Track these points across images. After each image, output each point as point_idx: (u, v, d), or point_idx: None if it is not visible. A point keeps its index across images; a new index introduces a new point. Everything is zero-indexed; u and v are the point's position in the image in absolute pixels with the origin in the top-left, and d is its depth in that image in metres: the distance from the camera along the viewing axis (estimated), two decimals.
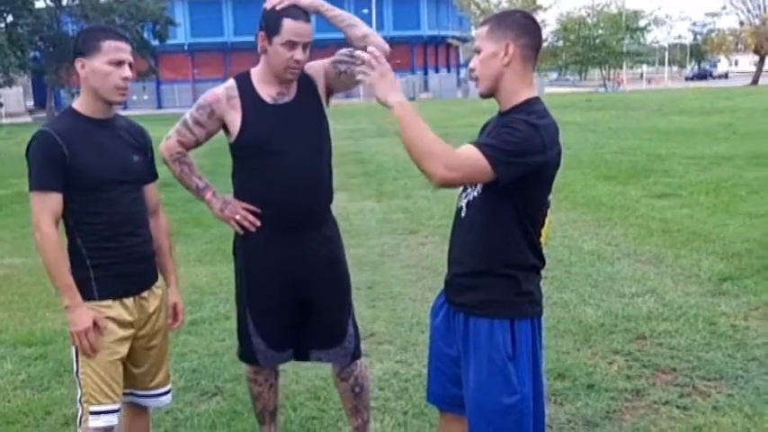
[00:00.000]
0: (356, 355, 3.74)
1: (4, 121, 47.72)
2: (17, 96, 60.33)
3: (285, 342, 3.69)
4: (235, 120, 3.48)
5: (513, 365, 2.84)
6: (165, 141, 3.63)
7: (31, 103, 66.31)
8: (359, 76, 2.81)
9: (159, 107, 62.62)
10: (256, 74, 3.55)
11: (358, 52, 2.81)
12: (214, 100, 3.53)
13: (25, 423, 4.51)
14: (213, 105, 3.52)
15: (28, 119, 51.01)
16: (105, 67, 3.04)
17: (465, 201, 2.93)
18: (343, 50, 3.58)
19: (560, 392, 4.65)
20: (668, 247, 8.06)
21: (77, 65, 3.09)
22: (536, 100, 2.85)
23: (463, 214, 2.94)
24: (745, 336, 5.46)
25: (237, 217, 3.54)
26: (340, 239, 3.75)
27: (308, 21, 3.41)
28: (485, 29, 2.86)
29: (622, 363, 5.08)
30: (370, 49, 2.80)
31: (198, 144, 3.63)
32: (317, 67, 3.61)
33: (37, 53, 50.88)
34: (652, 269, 7.28)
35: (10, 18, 44.95)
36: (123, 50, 3.09)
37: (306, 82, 3.56)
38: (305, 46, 3.41)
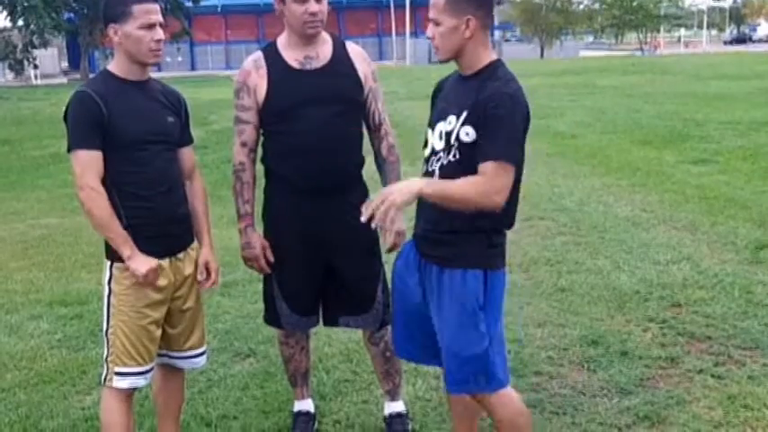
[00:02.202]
0: (386, 320, 3.74)
1: (40, 82, 48.01)
2: (52, 58, 60.63)
3: (309, 307, 3.71)
4: (262, 88, 3.49)
5: (482, 313, 2.98)
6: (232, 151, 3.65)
7: (65, 64, 66.67)
8: (381, 223, 2.78)
9: (193, 69, 62.75)
10: (282, 40, 3.56)
11: (363, 216, 2.80)
12: (245, 76, 3.53)
13: (61, 382, 4.58)
14: (247, 81, 3.52)
15: (63, 80, 51.27)
16: (138, 32, 3.06)
17: (437, 165, 3.01)
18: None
19: (593, 359, 4.63)
20: (704, 213, 7.95)
21: (110, 31, 3.12)
22: (498, 61, 3.00)
23: (436, 177, 2.99)
24: None
25: (249, 263, 3.66)
26: None
27: None
28: (441, 1, 2.92)
29: (657, 330, 5.03)
30: (362, 209, 2.82)
31: (258, 131, 3.60)
32: (365, 69, 3.62)
33: (71, 14, 51.06)
34: (688, 236, 7.20)
35: None
36: (153, 12, 3.10)
37: (344, 55, 3.55)
38: (319, 0, 3.38)
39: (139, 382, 3.22)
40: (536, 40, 61.62)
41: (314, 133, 3.43)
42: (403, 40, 60.32)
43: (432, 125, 3.05)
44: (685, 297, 5.57)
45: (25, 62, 46.97)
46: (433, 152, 3.01)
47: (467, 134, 2.88)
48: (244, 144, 3.59)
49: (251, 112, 3.54)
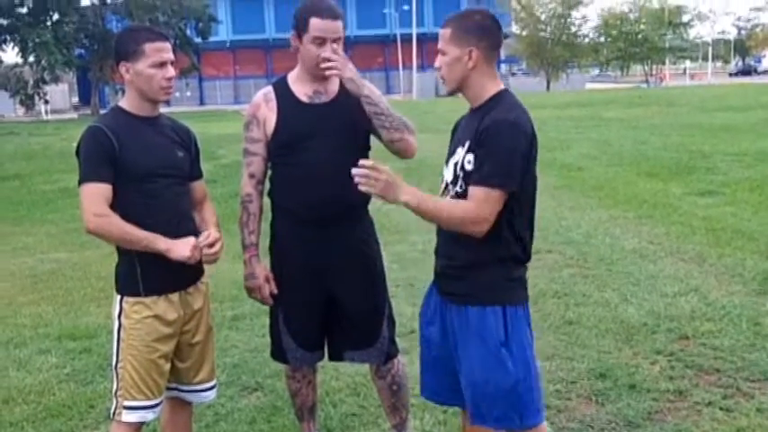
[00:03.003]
0: (391, 354, 3.76)
1: (50, 117, 48.40)
2: (63, 93, 61.25)
3: (315, 342, 3.73)
4: (271, 120, 3.54)
5: (506, 350, 2.95)
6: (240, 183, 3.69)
7: (76, 99, 67.22)
8: (363, 188, 2.83)
9: (201, 103, 63.23)
10: (292, 75, 3.62)
11: (358, 168, 2.82)
12: (256, 108, 3.59)
13: (69, 416, 4.58)
14: (256, 114, 3.58)
15: (73, 115, 51.70)
16: (149, 70, 3.12)
17: (449, 196, 3.02)
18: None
19: (601, 392, 4.62)
20: (711, 245, 7.95)
21: (122, 69, 3.17)
22: (505, 92, 3.01)
23: None
24: None
25: (252, 294, 3.70)
26: (375, 240, 3.76)
27: (337, 18, 3.45)
28: (447, 32, 3.00)
29: (665, 363, 5.02)
30: (362, 162, 2.82)
31: (266, 163, 3.65)
32: None
33: (82, 50, 51.61)
34: (695, 268, 7.20)
35: (56, 16, 45.68)
36: (165, 51, 3.16)
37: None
38: (335, 42, 3.43)
39: (148, 416, 3.24)
40: (542, 74, 61.91)
41: (319, 165, 3.47)
42: (410, 74, 60.74)
43: (446, 162, 3.08)
44: (693, 329, 5.56)
45: (36, 97, 47.43)
46: (446, 186, 3.04)
47: (469, 162, 2.91)
48: (252, 175, 3.63)
49: (260, 145, 3.59)
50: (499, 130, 2.84)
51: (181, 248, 3.12)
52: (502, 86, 3.02)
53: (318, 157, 3.48)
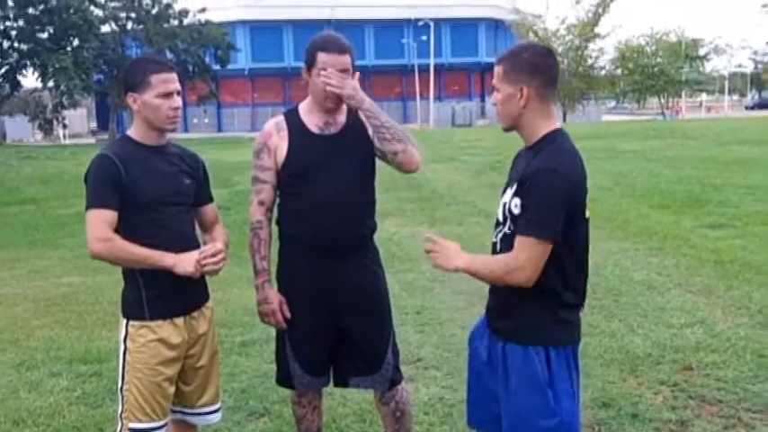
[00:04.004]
0: (395, 381, 3.82)
1: (68, 141, 48.82)
2: (81, 118, 61.72)
3: (321, 368, 3.79)
4: (283, 149, 3.63)
5: (550, 390, 2.93)
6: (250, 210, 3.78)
7: (94, 124, 67.74)
8: (433, 261, 3.08)
9: (219, 130, 63.55)
10: (304, 106, 3.72)
11: (426, 242, 3.08)
12: (267, 137, 3.68)
13: None
14: (267, 142, 3.67)
15: (91, 140, 52.09)
16: (156, 101, 3.23)
17: (499, 236, 3.06)
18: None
19: (604, 422, 4.67)
20: (720, 278, 7.99)
21: (129, 99, 3.28)
22: (556, 132, 3.00)
23: (498, 248, 3.06)
24: None
25: (266, 319, 3.75)
26: (381, 269, 3.83)
27: (344, 53, 3.55)
28: (500, 69, 3.01)
29: (668, 393, 5.07)
30: (427, 236, 3.08)
31: (275, 191, 3.73)
32: None
33: (101, 76, 52.10)
34: (702, 300, 7.23)
35: (76, 42, 46.15)
36: (171, 81, 3.26)
37: (357, 119, 3.68)
38: (344, 73, 3.53)
39: None
40: (558, 105, 62.01)
41: (329, 196, 3.56)
42: (427, 104, 61.00)
43: (501, 196, 3.11)
44: (697, 360, 5.60)
45: (54, 122, 47.84)
46: (497, 223, 3.08)
47: (515, 206, 2.93)
48: (261, 203, 3.72)
49: (270, 173, 3.68)
50: (542, 179, 2.86)
51: (187, 265, 3.20)
52: (556, 126, 3.01)
53: (327, 187, 3.57)
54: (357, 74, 3.63)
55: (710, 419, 4.67)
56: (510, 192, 2.99)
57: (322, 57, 3.52)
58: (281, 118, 3.74)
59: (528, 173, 2.89)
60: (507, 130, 3.10)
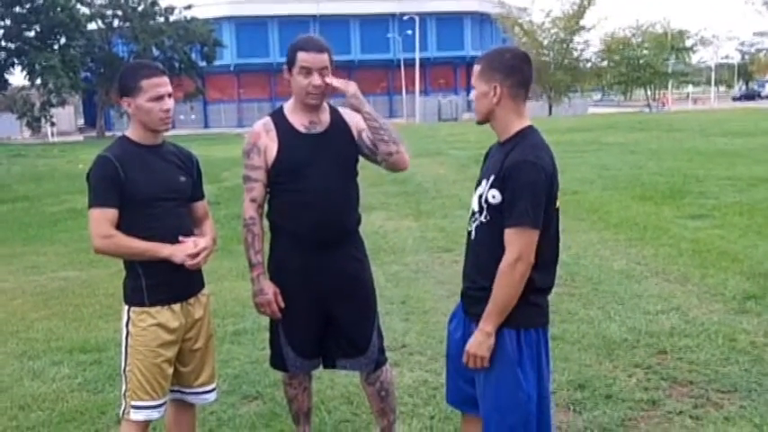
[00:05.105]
0: (380, 362, 4.08)
1: (56, 139, 48.82)
2: (68, 116, 61.74)
3: (312, 351, 4.04)
4: (272, 149, 3.86)
5: (519, 370, 3.18)
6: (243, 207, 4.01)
7: (81, 122, 67.70)
8: (483, 364, 3.23)
9: (206, 126, 63.65)
10: (288, 107, 3.95)
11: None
12: (256, 138, 3.90)
13: (81, 421, 4.90)
14: (257, 142, 3.89)
15: (79, 137, 52.08)
16: (148, 104, 3.46)
17: (474, 225, 3.30)
18: (368, 137, 3.93)
19: (579, 402, 4.91)
20: (696, 266, 8.23)
21: (124, 104, 3.52)
22: (529, 129, 3.24)
23: (473, 237, 3.31)
24: (763, 352, 5.63)
25: (262, 309, 3.98)
26: (366, 258, 4.08)
27: (321, 51, 3.78)
28: (477, 68, 3.26)
29: (641, 375, 5.31)
30: (466, 353, 3.25)
31: (266, 188, 3.96)
32: (355, 120, 3.95)
33: (88, 74, 52.09)
34: (679, 288, 7.48)
35: (63, 40, 46.23)
36: (162, 85, 3.49)
37: (340, 119, 3.94)
38: (321, 72, 3.77)
39: (153, 414, 3.56)
40: (544, 98, 62.21)
41: (316, 191, 3.80)
42: (413, 98, 61.19)
43: (475, 189, 3.33)
44: (671, 344, 5.84)
45: (42, 120, 47.83)
46: (472, 213, 3.31)
47: (493, 197, 3.15)
48: (253, 200, 3.95)
49: (260, 171, 3.91)
50: (523, 172, 3.06)
51: (180, 253, 3.47)
52: (527, 123, 3.25)
53: (316, 183, 3.81)
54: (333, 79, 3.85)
55: (680, 399, 4.91)
56: (486, 183, 3.22)
57: (301, 55, 3.76)
58: (267, 119, 3.97)
59: (507, 166, 3.11)
60: (480, 122, 3.35)
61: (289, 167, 3.84)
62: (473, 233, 3.31)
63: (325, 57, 3.79)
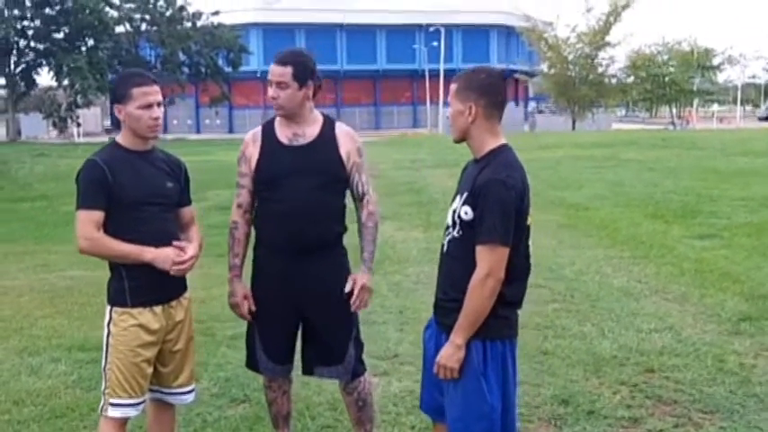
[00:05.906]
0: (358, 372, 4.18)
1: (82, 140, 49.26)
2: (95, 117, 62.25)
3: (285, 357, 4.17)
4: (255, 159, 4.00)
5: (484, 380, 3.27)
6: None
7: (107, 122, 68.21)
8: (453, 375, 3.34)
9: (230, 131, 63.94)
10: (279, 117, 4.07)
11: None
12: (245, 147, 4.08)
13: (71, 417, 5.03)
14: (245, 152, 4.06)
15: (104, 138, 52.36)
16: (137, 112, 3.59)
17: (447, 239, 3.41)
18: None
19: (561, 417, 4.98)
20: (697, 286, 8.25)
21: (116, 110, 3.67)
22: (502, 148, 3.34)
23: (445, 250, 3.42)
24: (751, 374, 5.67)
25: (233, 310, 4.16)
26: (345, 269, 4.16)
27: (282, 65, 3.93)
28: (454, 87, 3.36)
29: (626, 393, 5.36)
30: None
31: (253, 195, 4.10)
32: (348, 145, 4.07)
33: (115, 76, 52.53)
34: (676, 307, 7.51)
35: (91, 42, 46.68)
36: (151, 94, 3.61)
37: (330, 134, 4.04)
38: (278, 85, 3.91)
39: (131, 412, 3.69)
40: (568, 112, 62.02)
41: (294, 202, 3.92)
42: (437, 109, 61.30)
43: (450, 203, 3.45)
44: (660, 363, 5.89)
45: (69, 120, 48.29)
46: (447, 227, 3.42)
47: (465, 213, 3.27)
48: (239, 205, 4.10)
49: (247, 179, 4.06)
50: (493, 190, 3.17)
51: (161, 256, 3.58)
52: (502, 141, 3.35)
53: (293, 194, 3.92)
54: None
55: (662, 418, 4.97)
56: (459, 200, 3.33)
57: (271, 68, 3.95)
58: (258, 129, 4.13)
59: (479, 184, 3.23)
60: (457, 141, 3.45)
61: (267, 177, 3.97)
62: (446, 246, 3.41)
63: (282, 69, 3.92)
